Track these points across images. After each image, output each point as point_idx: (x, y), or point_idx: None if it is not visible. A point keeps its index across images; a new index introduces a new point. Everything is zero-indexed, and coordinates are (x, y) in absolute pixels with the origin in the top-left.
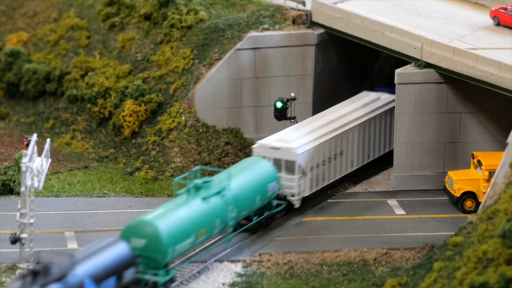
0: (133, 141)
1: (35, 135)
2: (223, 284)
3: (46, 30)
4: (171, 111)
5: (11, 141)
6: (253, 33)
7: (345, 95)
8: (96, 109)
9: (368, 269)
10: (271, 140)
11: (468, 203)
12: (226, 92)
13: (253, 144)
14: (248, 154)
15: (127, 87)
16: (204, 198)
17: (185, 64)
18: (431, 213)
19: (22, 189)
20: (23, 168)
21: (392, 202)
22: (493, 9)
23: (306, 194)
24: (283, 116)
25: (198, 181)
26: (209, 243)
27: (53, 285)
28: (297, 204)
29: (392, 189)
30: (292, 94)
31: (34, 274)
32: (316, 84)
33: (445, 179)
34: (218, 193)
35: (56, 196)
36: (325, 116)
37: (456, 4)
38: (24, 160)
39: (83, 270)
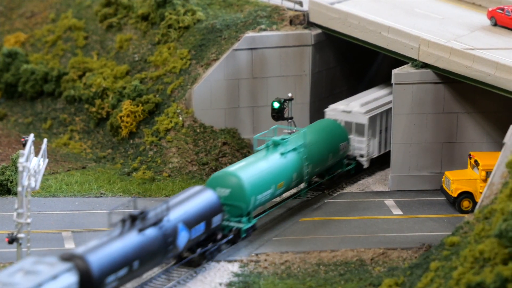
0: (131, 141)
1: (32, 135)
2: (220, 284)
3: (44, 30)
4: (168, 111)
5: (9, 141)
6: (250, 34)
7: (342, 95)
8: (94, 109)
9: (365, 269)
10: (342, 104)
11: (465, 203)
12: (223, 92)
13: (251, 144)
14: (246, 154)
15: (124, 88)
16: (282, 154)
17: (183, 64)
18: (428, 213)
19: (19, 189)
20: (20, 168)
21: (389, 202)
22: (490, 9)
23: (375, 155)
24: (280, 116)
25: (276, 138)
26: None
27: (150, 229)
28: (366, 165)
29: (389, 189)
30: (289, 95)
31: (133, 219)
32: (313, 84)
33: (442, 179)
34: (294, 149)
35: (53, 196)
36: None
37: (453, 5)
38: (21, 160)
39: (176, 215)
